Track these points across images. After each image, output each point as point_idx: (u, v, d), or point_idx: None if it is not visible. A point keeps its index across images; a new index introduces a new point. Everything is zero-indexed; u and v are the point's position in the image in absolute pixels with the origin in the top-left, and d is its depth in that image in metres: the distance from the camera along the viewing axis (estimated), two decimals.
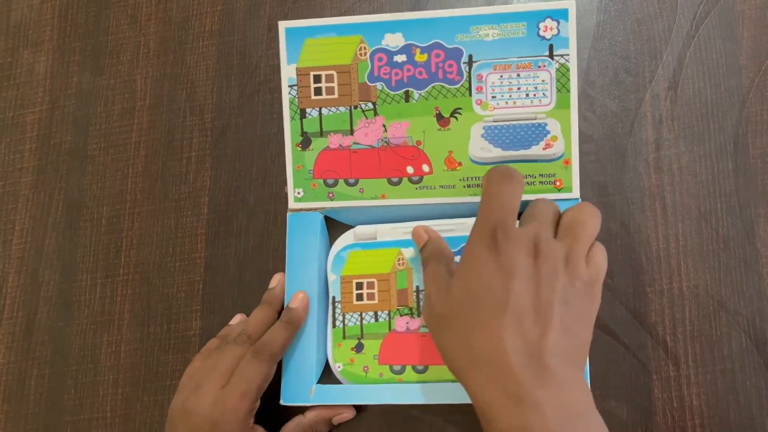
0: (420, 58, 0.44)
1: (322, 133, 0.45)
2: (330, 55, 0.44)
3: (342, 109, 0.45)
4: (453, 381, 0.42)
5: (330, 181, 0.45)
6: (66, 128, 0.54)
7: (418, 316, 0.44)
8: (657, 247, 0.46)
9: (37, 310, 0.51)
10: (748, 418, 0.43)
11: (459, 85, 0.44)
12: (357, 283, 0.45)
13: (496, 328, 0.32)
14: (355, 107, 0.44)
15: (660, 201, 0.46)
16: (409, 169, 0.44)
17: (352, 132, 0.44)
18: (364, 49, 0.44)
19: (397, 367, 0.44)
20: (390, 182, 0.45)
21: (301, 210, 0.45)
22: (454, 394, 0.42)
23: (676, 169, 0.47)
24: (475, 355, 0.33)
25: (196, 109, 0.53)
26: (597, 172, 0.47)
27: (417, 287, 0.44)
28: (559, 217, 0.37)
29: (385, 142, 0.45)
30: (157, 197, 0.51)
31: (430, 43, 0.44)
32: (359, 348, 0.44)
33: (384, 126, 0.44)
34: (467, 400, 0.35)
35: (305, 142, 0.45)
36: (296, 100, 0.44)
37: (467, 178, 0.44)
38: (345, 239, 0.45)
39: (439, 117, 0.44)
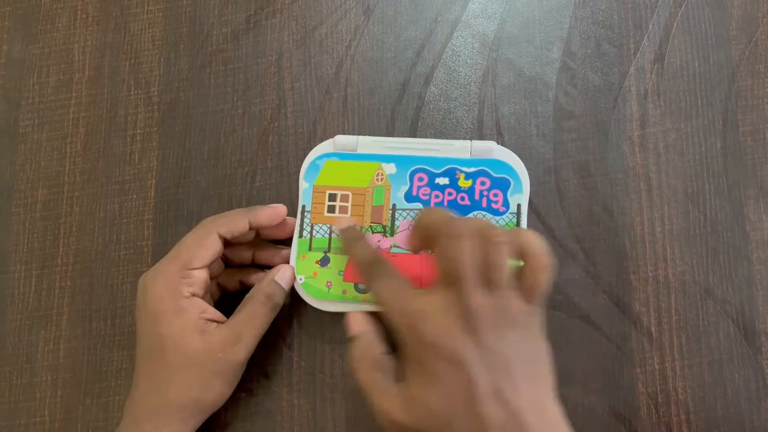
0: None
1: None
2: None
3: None
4: None
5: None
6: None
7: (391, 235, 0.42)
8: (642, 231, 0.43)
9: None
10: (736, 412, 0.41)
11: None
12: (330, 194, 0.42)
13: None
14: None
15: (645, 182, 0.43)
16: None
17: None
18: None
19: (361, 286, 0.41)
20: None
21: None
22: None
23: (662, 147, 0.44)
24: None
25: (141, 82, 0.48)
26: (578, 151, 0.44)
27: (393, 205, 0.42)
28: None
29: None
30: (98, 179, 0.47)
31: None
32: (324, 261, 0.42)
33: None
34: None
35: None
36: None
37: None
38: (323, 147, 0.43)
39: None
